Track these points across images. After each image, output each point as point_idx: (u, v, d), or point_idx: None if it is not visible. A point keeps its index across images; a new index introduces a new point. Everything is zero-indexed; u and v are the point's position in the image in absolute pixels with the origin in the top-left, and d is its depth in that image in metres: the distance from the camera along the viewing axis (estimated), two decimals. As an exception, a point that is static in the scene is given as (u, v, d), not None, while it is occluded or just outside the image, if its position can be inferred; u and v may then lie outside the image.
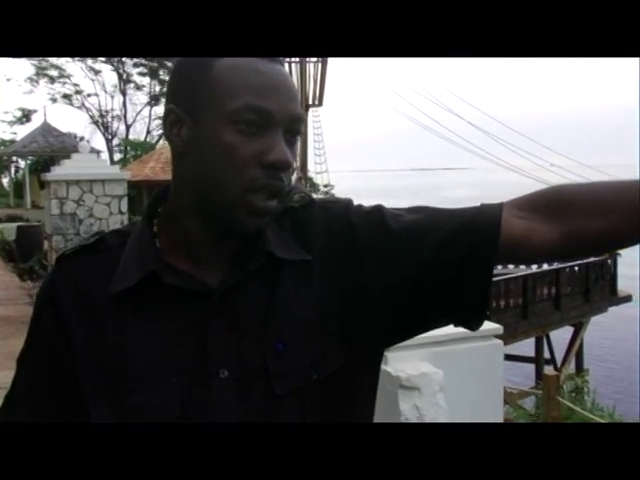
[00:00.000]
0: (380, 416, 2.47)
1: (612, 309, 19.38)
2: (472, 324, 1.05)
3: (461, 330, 2.99)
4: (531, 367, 17.37)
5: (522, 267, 19.61)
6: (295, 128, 0.98)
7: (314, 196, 1.09)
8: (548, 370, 12.58)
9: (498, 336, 2.99)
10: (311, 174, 23.20)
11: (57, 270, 1.07)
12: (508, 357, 16.99)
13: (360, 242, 1.02)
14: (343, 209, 1.06)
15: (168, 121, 1.00)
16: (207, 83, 0.95)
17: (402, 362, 2.66)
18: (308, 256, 1.02)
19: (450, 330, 2.82)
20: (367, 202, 1.10)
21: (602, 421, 6.32)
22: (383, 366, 2.69)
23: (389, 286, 1.00)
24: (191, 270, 1.00)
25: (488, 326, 3.05)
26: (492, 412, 2.87)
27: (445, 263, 0.99)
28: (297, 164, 20.63)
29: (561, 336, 18.66)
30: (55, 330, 1.03)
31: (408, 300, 1.01)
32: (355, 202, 1.10)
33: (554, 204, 0.99)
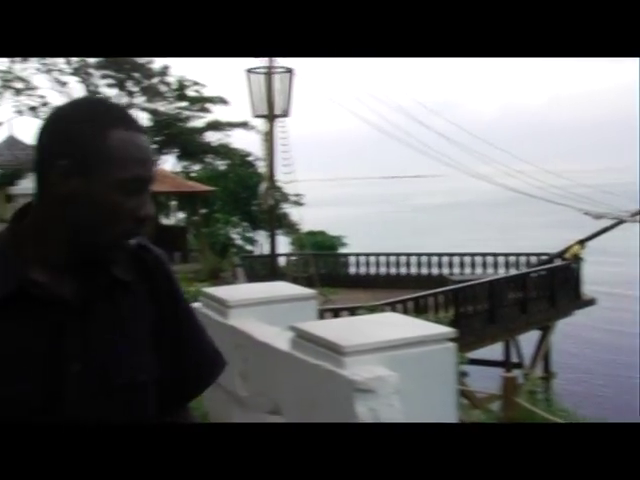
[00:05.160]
0: (337, 418, 2.55)
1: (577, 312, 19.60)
2: None
3: (415, 334, 3.04)
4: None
5: (489, 272, 19.81)
6: (150, 186, 1.31)
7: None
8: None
9: (450, 339, 3.05)
10: (280, 184, 23.22)
11: None
12: (477, 362, 17.06)
13: (173, 287, 1.43)
14: (165, 258, 1.44)
15: (55, 170, 1.22)
16: (101, 151, 1.22)
17: (357, 366, 2.72)
18: (143, 284, 1.36)
19: (404, 334, 2.90)
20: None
21: (560, 421, 6.45)
22: (339, 370, 2.77)
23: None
24: (51, 283, 1.25)
25: (441, 329, 3.11)
26: (446, 413, 2.94)
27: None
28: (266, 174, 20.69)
29: (530, 339, 18.82)
30: None
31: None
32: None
33: None
